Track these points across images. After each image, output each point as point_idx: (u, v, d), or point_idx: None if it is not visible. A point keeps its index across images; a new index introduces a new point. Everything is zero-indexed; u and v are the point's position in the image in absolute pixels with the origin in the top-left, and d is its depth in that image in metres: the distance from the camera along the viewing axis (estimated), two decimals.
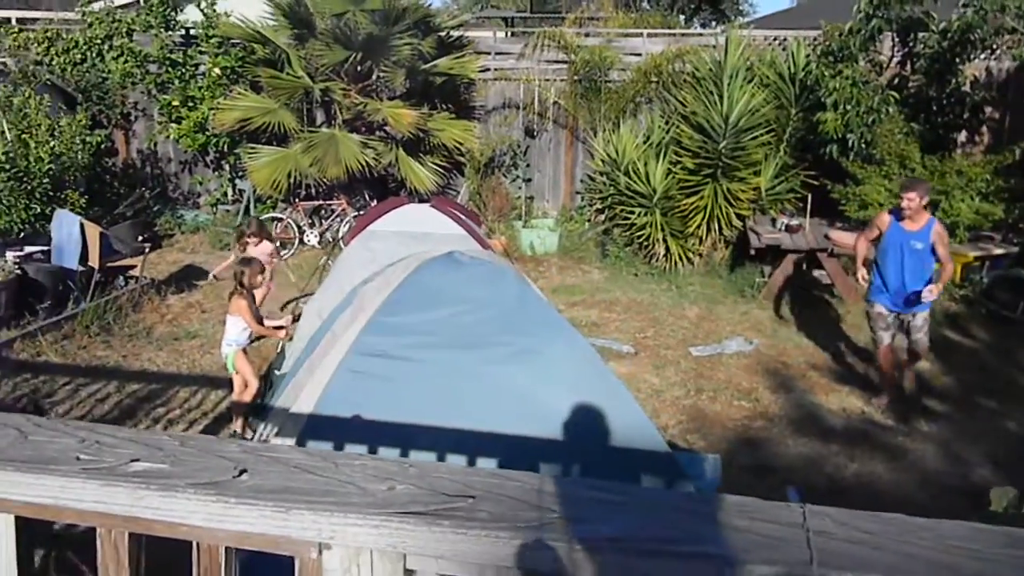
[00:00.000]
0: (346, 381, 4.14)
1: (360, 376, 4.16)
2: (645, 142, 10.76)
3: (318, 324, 5.67)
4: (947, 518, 1.18)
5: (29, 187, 9.68)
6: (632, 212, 10.53)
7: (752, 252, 9.62)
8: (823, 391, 7.02)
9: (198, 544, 1.28)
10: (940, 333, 8.04)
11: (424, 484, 1.22)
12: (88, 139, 10.85)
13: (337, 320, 5.12)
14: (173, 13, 11.83)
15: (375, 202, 10.97)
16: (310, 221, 11.58)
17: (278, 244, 11.12)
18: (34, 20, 12.23)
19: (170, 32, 11.74)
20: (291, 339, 6.46)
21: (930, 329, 6.60)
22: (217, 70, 11.40)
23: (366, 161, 10.66)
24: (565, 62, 11.52)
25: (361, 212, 10.74)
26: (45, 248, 8.77)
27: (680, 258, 10.40)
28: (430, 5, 11.52)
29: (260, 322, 6.17)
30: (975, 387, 7.05)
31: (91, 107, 11.74)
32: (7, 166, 9.43)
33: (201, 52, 11.69)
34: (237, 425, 5.99)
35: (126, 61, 11.67)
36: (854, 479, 5.63)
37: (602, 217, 11.42)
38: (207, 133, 11.46)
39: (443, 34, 11.61)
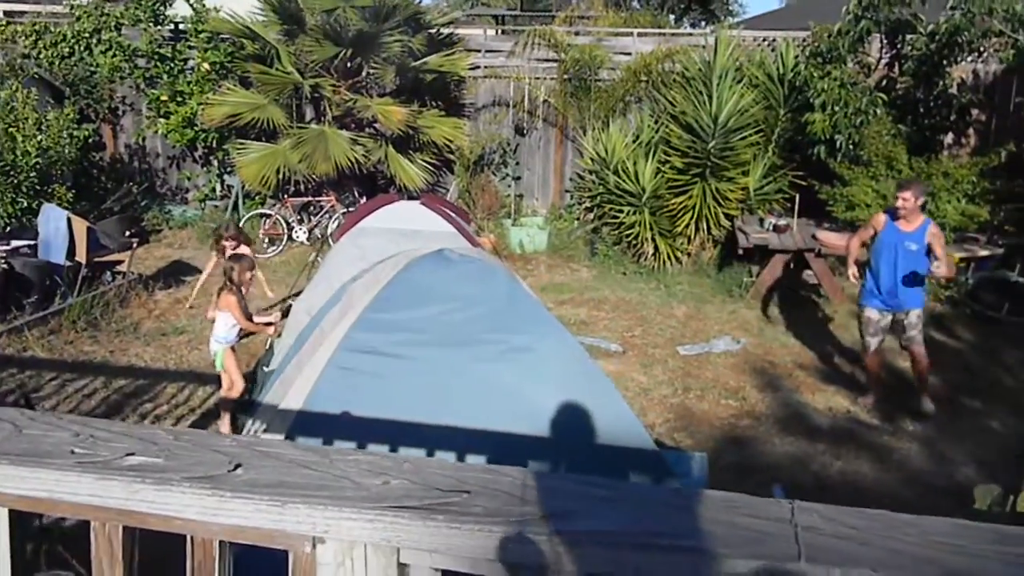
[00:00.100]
0: (335, 377, 4.15)
1: (349, 372, 4.17)
2: (634, 141, 10.78)
3: (307, 321, 5.67)
4: (932, 516, 1.19)
5: (16, 181, 9.63)
6: (621, 211, 10.56)
7: (740, 252, 9.66)
8: (809, 390, 7.06)
9: (192, 538, 1.28)
10: (926, 334, 8.07)
11: (418, 479, 1.23)
12: (76, 133, 10.79)
13: (326, 317, 5.12)
14: (162, 7, 11.78)
15: (364, 199, 10.95)
16: (299, 217, 11.55)
17: (267, 240, 11.13)
18: (22, 13, 12.17)
19: (159, 26, 11.69)
20: (280, 335, 6.45)
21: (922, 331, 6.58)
22: (206, 65, 11.36)
23: (355, 158, 10.65)
24: (555, 61, 11.53)
25: (350, 209, 10.73)
26: (32, 242, 8.73)
27: (668, 257, 10.43)
28: (420, 2, 11.54)
29: (249, 318, 6.16)
30: (960, 387, 7.11)
31: (79, 101, 11.67)
32: None
33: (190, 47, 11.65)
34: (224, 422, 5.97)
35: (114, 55, 11.62)
36: (839, 477, 5.68)
37: (591, 216, 11.44)
38: (196, 128, 11.42)
39: (433, 31, 11.60)
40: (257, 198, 11.83)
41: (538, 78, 11.68)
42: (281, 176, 10.96)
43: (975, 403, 6.84)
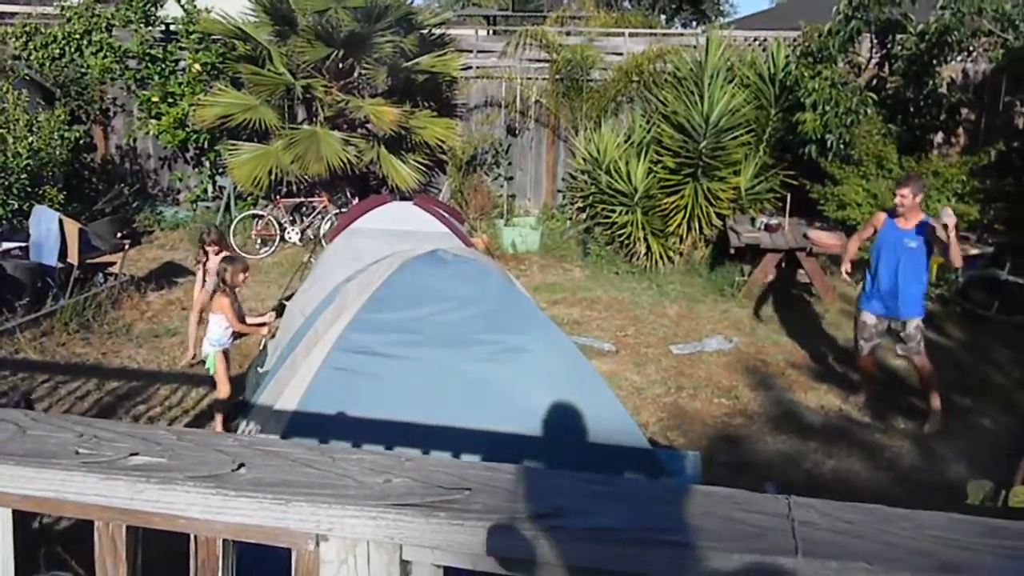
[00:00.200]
0: (329, 378, 4.16)
1: (343, 373, 4.18)
2: (626, 141, 10.81)
3: (301, 321, 5.68)
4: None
5: (7, 183, 9.59)
6: (613, 211, 10.58)
7: (732, 251, 9.70)
8: (801, 389, 7.10)
9: (195, 537, 1.29)
10: None
11: (420, 477, 1.25)
12: (67, 135, 10.75)
13: (320, 317, 5.12)
14: (153, 8, 11.76)
15: (357, 200, 10.94)
16: (291, 218, 11.53)
17: (259, 242, 11.12)
18: (12, 14, 12.12)
19: (150, 27, 11.67)
20: (273, 336, 6.45)
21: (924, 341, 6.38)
22: (197, 66, 11.34)
23: (348, 158, 10.64)
24: (547, 61, 11.55)
25: (343, 209, 10.72)
26: (23, 244, 8.70)
27: (661, 257, 10.46)
28: (412, 3, 11.54)
29: (242, 320, 6.15)
30: (951, 385, 7.13)
31: (70, 102, 11.64)
32: None
33: (181, 48, 11.63)
34: (217, 424, 5.97)
35: (105, 56, 11.59)
36: (831, 475, 5.71)
37: (583, 216, 11.46)
38: (187, 129, 11.40)
39: (425, 32, 11.61)
40: (249, 199, 11.81)
41: (530, 78, 11.70)
42: (273, 177, 10.95)
43: (965, 401, 6.88)
